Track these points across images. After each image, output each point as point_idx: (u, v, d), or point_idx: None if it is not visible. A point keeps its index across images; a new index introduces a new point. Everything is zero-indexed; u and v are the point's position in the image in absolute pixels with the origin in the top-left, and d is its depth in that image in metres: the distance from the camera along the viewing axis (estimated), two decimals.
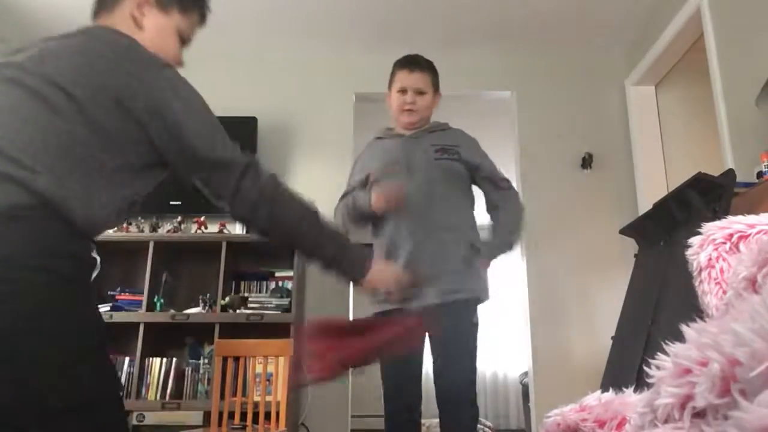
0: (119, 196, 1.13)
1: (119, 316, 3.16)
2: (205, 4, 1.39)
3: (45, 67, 1.10)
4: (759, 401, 0.41)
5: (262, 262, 3.54)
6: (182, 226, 3.46)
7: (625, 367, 2.35)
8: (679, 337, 0.55)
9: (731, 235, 0.96)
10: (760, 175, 2.22)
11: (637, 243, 2.90)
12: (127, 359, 3.21)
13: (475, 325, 2.11)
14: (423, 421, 2.17)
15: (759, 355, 0.43)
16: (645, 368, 0.59)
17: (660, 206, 2.45)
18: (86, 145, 1.07)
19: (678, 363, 0.52)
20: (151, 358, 3.22)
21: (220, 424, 2.57)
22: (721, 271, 0.94)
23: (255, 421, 2.51)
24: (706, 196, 2.11)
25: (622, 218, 3.34)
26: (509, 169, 3.53)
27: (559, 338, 3.49)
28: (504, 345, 6.40)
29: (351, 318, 2.00)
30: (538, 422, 3.42)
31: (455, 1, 3.44)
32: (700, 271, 0.97)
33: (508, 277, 5.24)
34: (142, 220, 3.52)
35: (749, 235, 0.94)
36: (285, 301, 3.26)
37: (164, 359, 3.23)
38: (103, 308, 3.15)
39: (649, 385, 0.57)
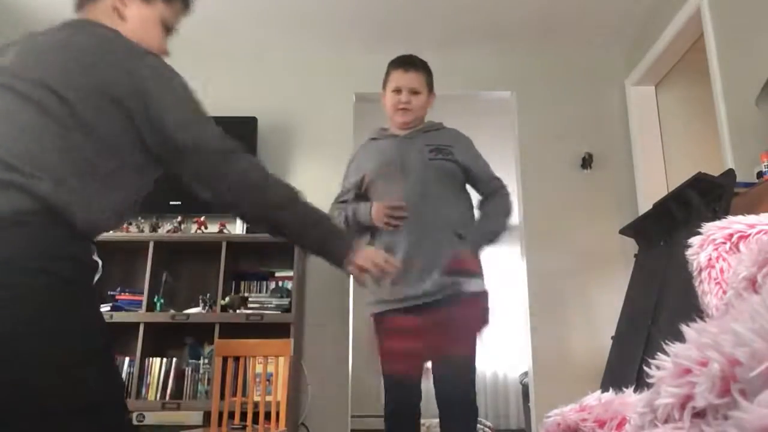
0: (117, 198, 1.13)
1: (119, 316, 3.16)
2: None
3: (35, 69, 1.10)
4: (759, 401, 0.41)
5: (262, 262, 3.54)
6: (182, 226, 3.46)
7: (625, 367, 2.35)
8: (679, 337, 0.55)
9: (731, 235, 0.96)
10: (760, 175, 2.22)
11: (637, 243, 2.90)
12: (127, 359, 3.21)
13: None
14: (423, 421, 2.17)
15: (759, 355, 0.43)
16: (645, 368, 0.59)
17: (660, 206, 2.45)
18: (81, 149, 1.08)
19: (678, 363, 0.52)
20: (151, 358, 3.22)
21: (220, 424, 2.57)
22: (721, 271, 0.94)
23: (255, 421, 2.52)
24: (706, 196, 2.11)
25: (622, 218, 3.35)
26: (509, 170, 3.54)
27: (559, 338, 3.49)
28: (504, 345, 6.40)
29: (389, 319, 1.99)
30: (538, 422, 3.42)
31: (455, 1, 3.44)
32: (700, 271, 0.97)
33: (508, 277, 5.24)
34: (142, 220, 3.52)
35: (749, 235, 0.94)
36: (285, 301, 3.26)
37: (164, 359, 3.23)
38: (103, 308, 3.15)
39: (649, 385, 0.57)
